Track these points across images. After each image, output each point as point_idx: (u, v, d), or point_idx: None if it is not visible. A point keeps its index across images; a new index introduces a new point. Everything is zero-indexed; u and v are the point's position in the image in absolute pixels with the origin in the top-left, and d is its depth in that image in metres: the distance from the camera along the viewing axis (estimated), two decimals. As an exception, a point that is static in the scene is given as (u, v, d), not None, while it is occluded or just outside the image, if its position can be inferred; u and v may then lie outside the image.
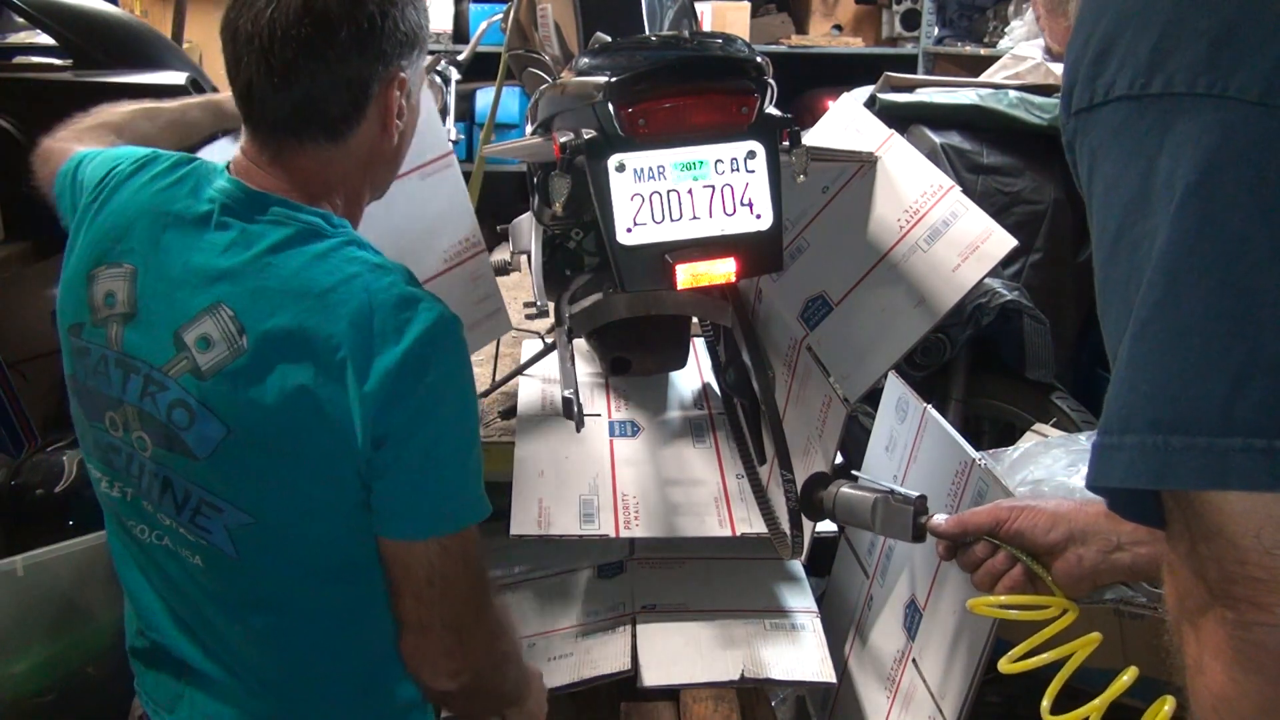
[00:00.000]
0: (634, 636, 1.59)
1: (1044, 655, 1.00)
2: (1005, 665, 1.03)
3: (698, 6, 2.11)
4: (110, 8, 2.38)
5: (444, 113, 1.89)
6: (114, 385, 1.03)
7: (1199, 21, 0.56)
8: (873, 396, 1.67)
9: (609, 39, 1.48)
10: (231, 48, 1.01)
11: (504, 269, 2.05)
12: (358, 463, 0.99)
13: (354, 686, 1.12)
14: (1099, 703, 0.94)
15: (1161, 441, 0.56)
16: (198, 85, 2.16)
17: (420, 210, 1.73)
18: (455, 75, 2.29)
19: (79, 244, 1.09)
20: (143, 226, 1.05)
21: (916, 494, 1.21)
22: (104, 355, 1.04)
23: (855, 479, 1.33)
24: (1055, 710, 0.95)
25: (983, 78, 3.01)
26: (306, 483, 1.00)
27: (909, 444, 1.66)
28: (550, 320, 1.89)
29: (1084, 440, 1.89)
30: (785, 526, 1.59)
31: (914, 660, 1.52)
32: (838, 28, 4.47)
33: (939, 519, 1.17)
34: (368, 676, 1.12)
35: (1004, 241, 1.36)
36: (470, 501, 1.05)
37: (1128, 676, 0.93)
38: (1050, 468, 1.81)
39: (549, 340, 2.07)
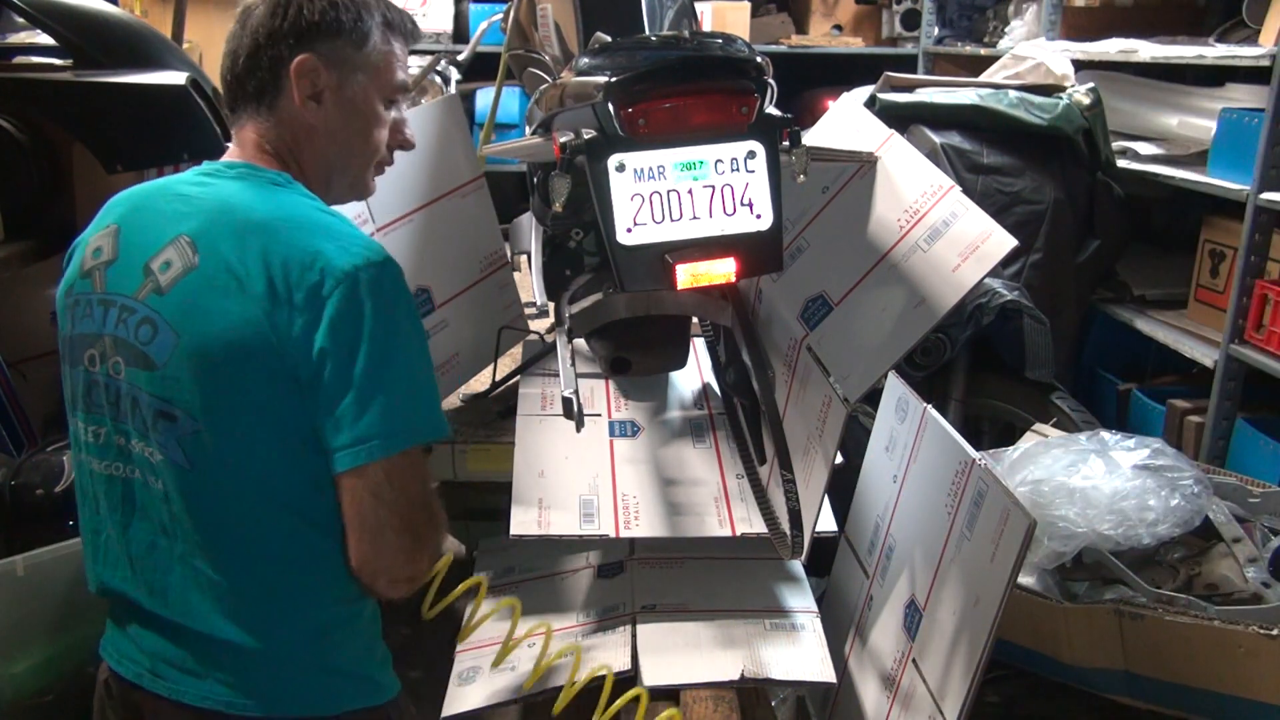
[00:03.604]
0: (634, 636, 1.59)
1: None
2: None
3: (698, 6, 2.11)
4: (110, 8, 2.38)
5: None
6: (95, 322, 1.15)
7: None
8: (873, 396, 1.67)
9: (609, 39, 1.48)
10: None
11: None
12: (298, 385, 1.08)
13: (302, 637, 1.15)
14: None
15: None
16: (198, 85, 2.16)
17: (461, 227, 1.98)
18: (455, 75, 2.29)
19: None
20: (130, 201, 1.22)
21: None
22: (89, 299, 1.17)
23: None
24: None
25: (983, 78, 3.01)
26: (246, 395, 1.09)
27: (909, 444, 1.66)
28: (550, 320, 1.89)
29: (1084, 440, 1.89)
30: (785, 526, 1.59)
31: (914, 660, 1.52)
32: (838, 28, 4.46)
33: None
34: (313, 628, 1.16)
35: (1004, 241, 1.36)
36: (419, 421, 1.12)
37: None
38: (1050, 468, 1.81)
39: (549, 340, 2.07)
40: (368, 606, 1.21)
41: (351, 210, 1.75)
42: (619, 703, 1.39)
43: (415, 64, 1.95)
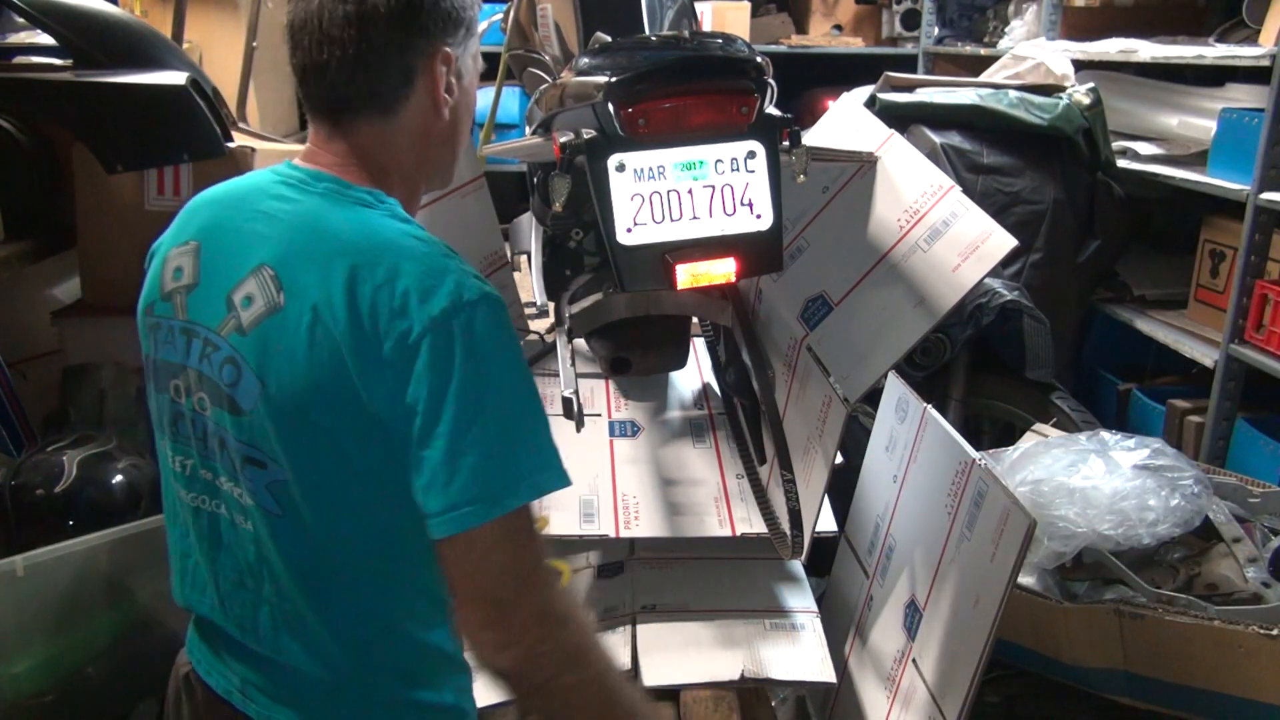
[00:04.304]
0: (634, 636, 1.59)
1: None
2: None
3: (698, 6, 2.11)
4: (110, 8, 2.38)
5: None
6: (179, 352, 1.08)
7: None
8: (873, 396, 1.67)
9: (609, 39, 1.48)
10: (290, 38, 1.07)
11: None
12: (388, 436, 0.99)
13: (389, 673, 1.11)
14: None
15: None
16: (198, 85, 2.15)
17: (461, 227, 1.93)
18: (455, 75, 2.29)
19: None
20: (210, 211, 1.11)
21: None
22: (171, 326, 1.09)
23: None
24: None
25: (983, 78, 3.01)
26: (334, 441, 1.01)
27: (909, 444, 1.66)
28: (550, 320, 1.89)
29: (1084, 440, 1.89)
30: (785, 526, 1.59)
31: (914, 660, 1.52)
32: (838, 28, 4.46)
33: None
34: (400, 665, 1.11)
35: (1004, 241, 1.36)
36: (518, 478, 1.00)
37: None
38: (1050, 468, 1.81)
39: (549, 340, 2.07)
40: (459, 643, 1.14)
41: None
42: None
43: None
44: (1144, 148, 2.84)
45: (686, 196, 1.29)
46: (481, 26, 2.45)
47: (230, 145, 2.16)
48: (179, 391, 1.09)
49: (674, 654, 1.56)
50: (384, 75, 1.06)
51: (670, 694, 1.65)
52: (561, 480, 1.03)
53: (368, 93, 1.06)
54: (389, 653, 1.11)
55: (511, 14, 2.14)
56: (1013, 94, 2.69)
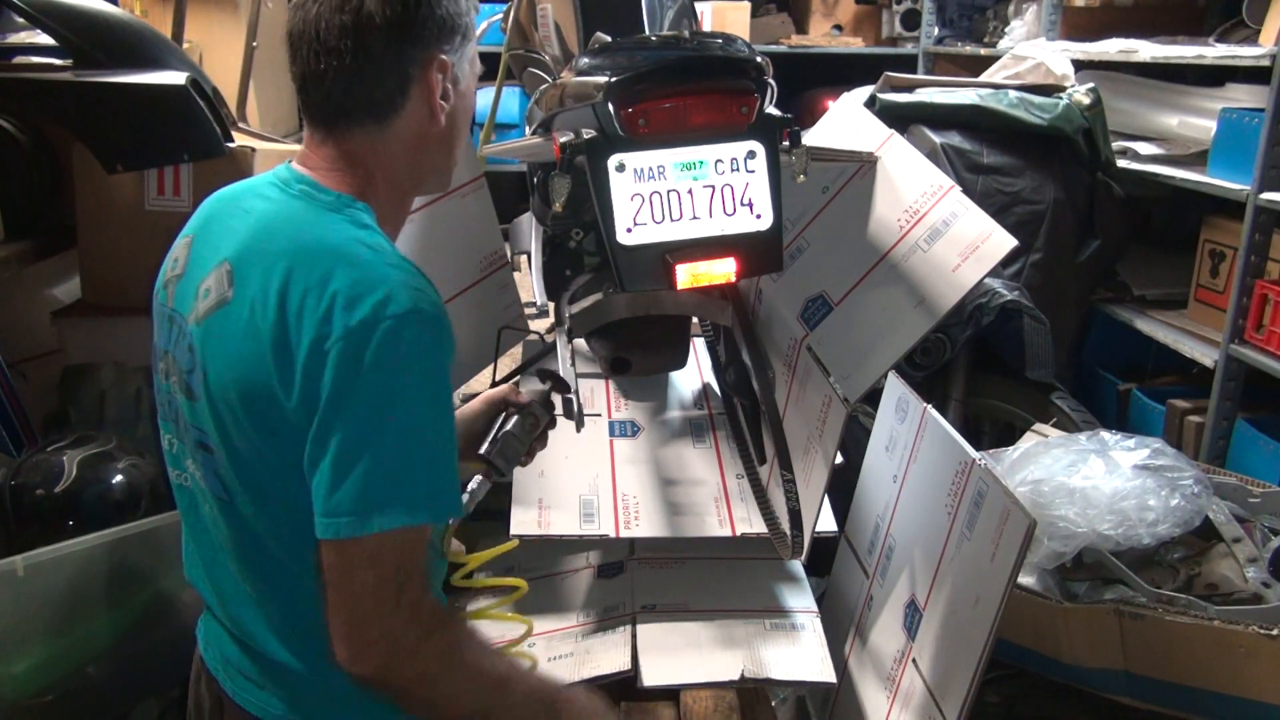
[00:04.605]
0: (634, 636, 1.59)
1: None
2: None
3: (698, 6, 2.11)
4: (110, 8, 2.38)
5: None
6: (165, 337, 1.14)
7: None
8: (873, 396, 1.67)
9: (609, 39, 1.48)
10: (289, 48, 1.09)
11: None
12: (296, 428, 1.00)
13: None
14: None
15: None
16: (198, 85, 2.15)
17: (462, 226, 1.93)
18: (455, 75, 2.29)
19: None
20: (211, 207, 1.16)
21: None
22: (163, 312, 1.15)
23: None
24: None
25: (983, 78, 3.01)
26: (259, 434, 1.03)
27: (909, 444, 1.66)
28: (550, 320, 1.89)
29: (1084, 440, 1.89)
30: (785, 526, 1.59)
31: (914, 660, 1.52)
32: (838, 28, 4.46)
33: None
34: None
35: (1004, 241, 1.36)
36: (405, 499, 0.98)
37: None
38: (1050, 468, 1.81)
39: (549, 340, 2.07)
40: None
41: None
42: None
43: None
44: (1144, 148, 2.84)
45: (686, 196, 1.29)
46: (481, 26, 2.45)
47: (230, 145, 2.16)
48: (164, 374, 1.15)
49: (674, 654, 1.56)
50: (380, 84, 1.06)
51: (670, 694, 1.66)
52: (450, 511, 1.03)
53: (365, 101, 1.07)
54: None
55: (511, 14, 2.14)
56: (1013, 94, 2.69)
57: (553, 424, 1.39)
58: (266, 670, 1.13)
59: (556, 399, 1.41)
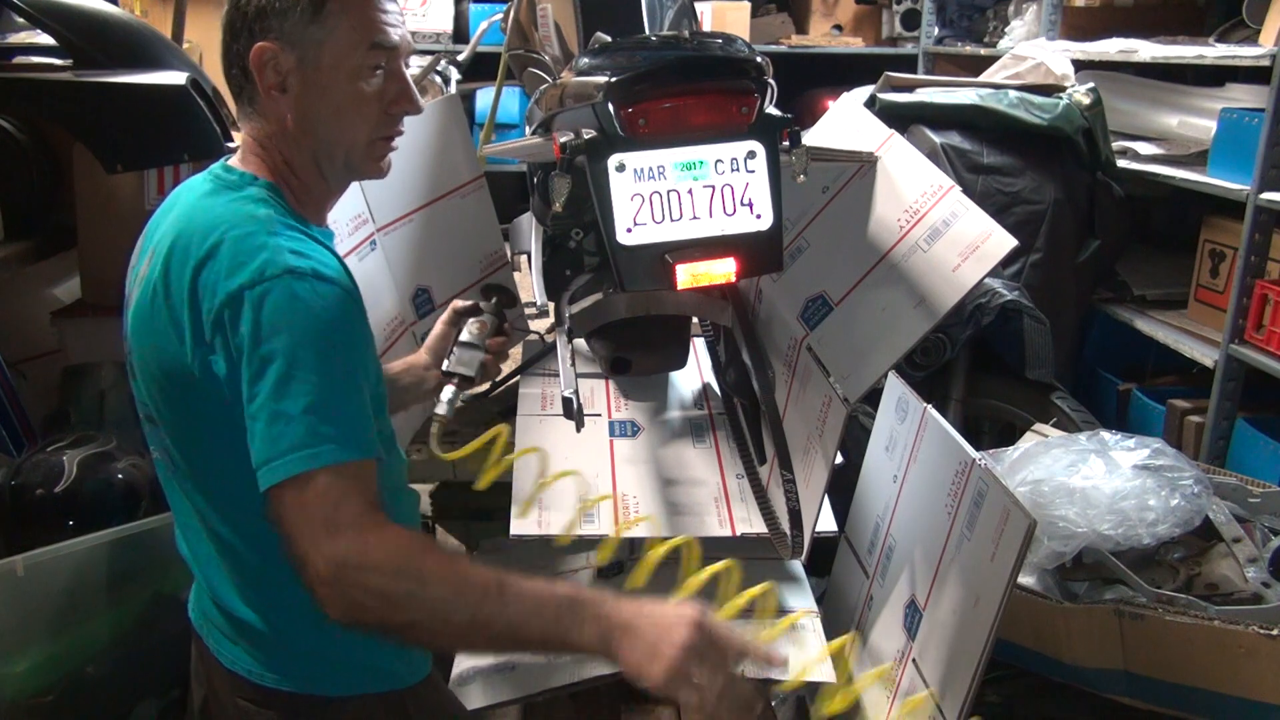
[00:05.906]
0: (634, 636, 1.59)
1: None
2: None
3: (698, 6, 2.11)
4: (110, 8, 2.38)
5: None
6: (124, 318, 1.20)
7: None
8: (873, 396, 1.66)
9: (609, 39, 1.48)
10: None
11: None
12: (208, 393, 1.07)
13: (304, 623, 1.12)
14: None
15: None
16: (198, 85, 2.15)
17: (461, 227, 2.00)
18: (455, 75, 2.29)
19: None
20: (172, 196, 1.21)
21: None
22: (126, 296, 1.20)
23: None
24: None
25: (983, 78, 3.01)
26: (190, 409, 1.11)
27: (909, 444, 1.66)
28: (550, 320, 1.89)
29: (1084, 440, 1.89)
30: (785, 526, 1.59)
31: (914, 660, 1.52)
32: (838, 28, 4.46)
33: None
34: (309, 616, 1.08)
35: (1004, 241, 1.36)
36: (292, 447, 1.01)
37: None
38: (1050, 468, 1.81)
39: (549, 340, 2.07)
40: None
41: (352, 210, 1.75)
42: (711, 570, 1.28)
43: (416, 64, 1.96)
44: (1144, 148, 2.84)
45: (686, 196, 1.29)
46: (481, 26, 2.45)
47: (230, 145, 2.16)
48: (126, 356, 1.21)
49: (674, 654, 1.56)
50: (231, 76, 1.18)
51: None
52: (356, 452, 1.03)
53: (235, 91, 1.19)
54: (298, 603, 1.07)
55: (511, 14, 2.14)
56: (1013, 94, 2.68)
57: (505, 333, 1.54)
58: (237, 627, 1.19)
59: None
